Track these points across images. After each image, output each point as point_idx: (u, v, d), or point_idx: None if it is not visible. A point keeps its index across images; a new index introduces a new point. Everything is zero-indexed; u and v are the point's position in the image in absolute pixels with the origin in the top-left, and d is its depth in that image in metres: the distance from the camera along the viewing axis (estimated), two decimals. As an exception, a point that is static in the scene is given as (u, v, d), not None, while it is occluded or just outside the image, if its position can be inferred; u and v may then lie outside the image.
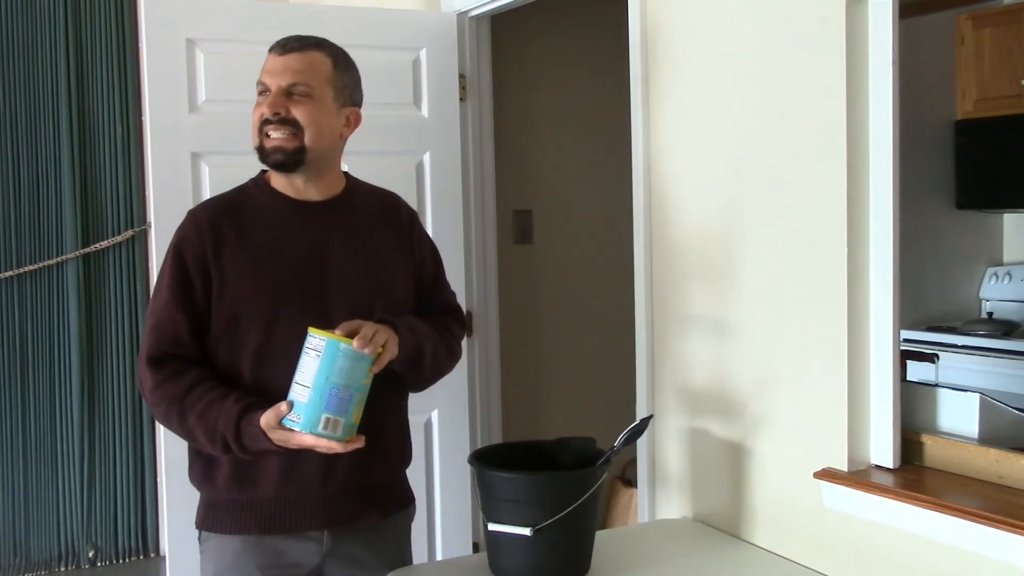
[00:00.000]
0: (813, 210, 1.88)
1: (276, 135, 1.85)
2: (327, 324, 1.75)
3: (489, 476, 1.82)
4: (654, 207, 2.34)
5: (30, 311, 4.12)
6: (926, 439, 1.83)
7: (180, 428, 1.82)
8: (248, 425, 1.74)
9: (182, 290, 1.83)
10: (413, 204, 2.43)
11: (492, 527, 1.81)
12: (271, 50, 1.89)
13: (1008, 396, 2.20)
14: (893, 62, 1.78)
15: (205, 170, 2.69)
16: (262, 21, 2.71)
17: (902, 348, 1.89)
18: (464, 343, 2.23)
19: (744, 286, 2.07)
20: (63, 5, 4.08)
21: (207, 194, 2.55)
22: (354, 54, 1.97)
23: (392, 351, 1.77)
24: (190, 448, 1.91)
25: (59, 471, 4.18)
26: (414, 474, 2.10)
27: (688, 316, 2.25)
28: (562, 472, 1.90)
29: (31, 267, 4.10)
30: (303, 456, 1.80)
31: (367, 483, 1.92)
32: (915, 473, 1.80)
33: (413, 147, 2.93)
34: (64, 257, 4.13)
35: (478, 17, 3.04)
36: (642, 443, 2.36)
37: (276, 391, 1.74)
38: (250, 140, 1.90)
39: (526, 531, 1.76)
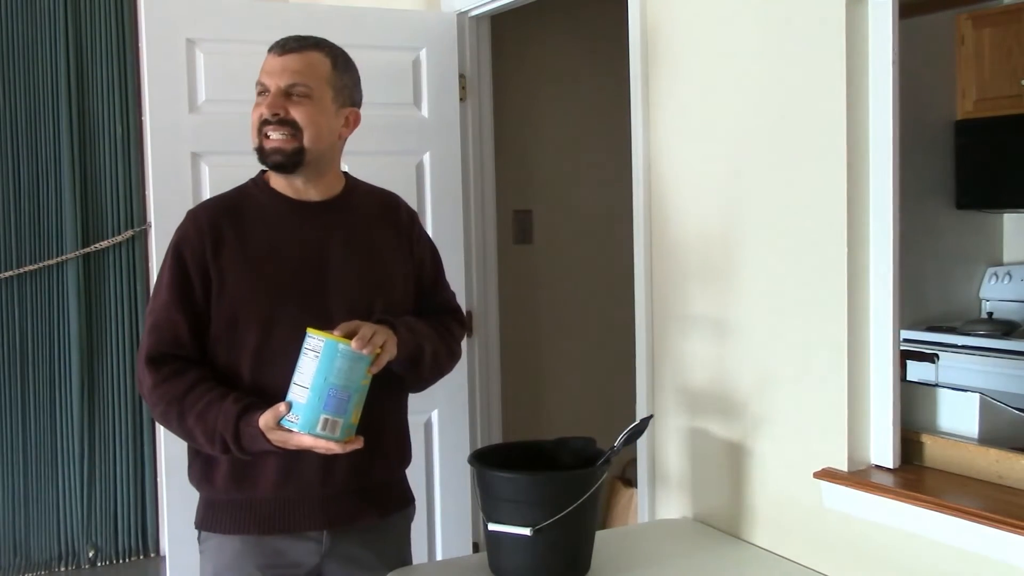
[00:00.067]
0: (813, 210, 1.88)
1: (275, 136, 1.85)
2: (326, 324, 1.75)
3: (489, 476, 1.82)
4: (654, 207, 2.34)
5: (30, 311, 4.12)
6: (926, 439, 1.83)
7: (179, 428, 1.82)
8: (247, 426, 1.74)
9: (181, 290, 1.83)
10: (413, 204, 2.43)
11: (492, 527, 1.81)
12: (270, 50, 1.89)
13: (1008, 396, 2.20)
14: (893, 62, 1.78)
15: (205, 170, 2.69)
16: (262, 21, 2.71)
17: (902, 348, 1.88)
18: (464, 343, 2.23)
19: (744, 286, 2.07)
20: (63, 5, 4.08)
21: (207, 194, 2.55)
22: (354, 54, 1.97)
23: (391, 351, 1.77)
24: (189, 448, 1.91)
25: (59, 471, 4.18)
26: (414, 474, 2.10)
27: (688, 316, 2.25)
28: (562, 472, 1.90)
29: (31, 267, 4.10)
30: (302, 456, 1.79)
31: (366, 483, 1.92)
32: (915, 473, 1.80)
33: (413, 147, 2.93)
34: (64, 257, 4.13)
35: (478, 17, 3.04)
36: (642, 443, 2.36)
37: (275, 391, 1.74)
38: (250, 140, 1.90)
39: (526, 531, 1.76)
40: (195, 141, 2.68)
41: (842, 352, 1.83)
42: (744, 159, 2.06)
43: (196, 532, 1.95)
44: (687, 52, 2.21)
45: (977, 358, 3.26)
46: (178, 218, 1.92)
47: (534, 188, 3.75)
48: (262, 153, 1.88)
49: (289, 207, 1.91)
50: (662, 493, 2.37)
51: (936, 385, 1.96)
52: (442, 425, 2.98)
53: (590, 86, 3.79)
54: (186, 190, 2.65)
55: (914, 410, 1.89)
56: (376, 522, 1.96)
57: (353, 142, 2.00)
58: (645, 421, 1.96)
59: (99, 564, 4.25)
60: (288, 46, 1.87)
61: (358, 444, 1.74)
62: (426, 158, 2.95)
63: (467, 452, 2.74)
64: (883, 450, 1.83)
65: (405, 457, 2.04)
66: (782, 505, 1.99)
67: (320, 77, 1.87)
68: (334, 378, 1.68)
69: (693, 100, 2.20)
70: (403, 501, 2.04)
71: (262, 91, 1.88)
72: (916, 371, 2.68)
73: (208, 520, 1.91)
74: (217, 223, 1.87)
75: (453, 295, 2.16)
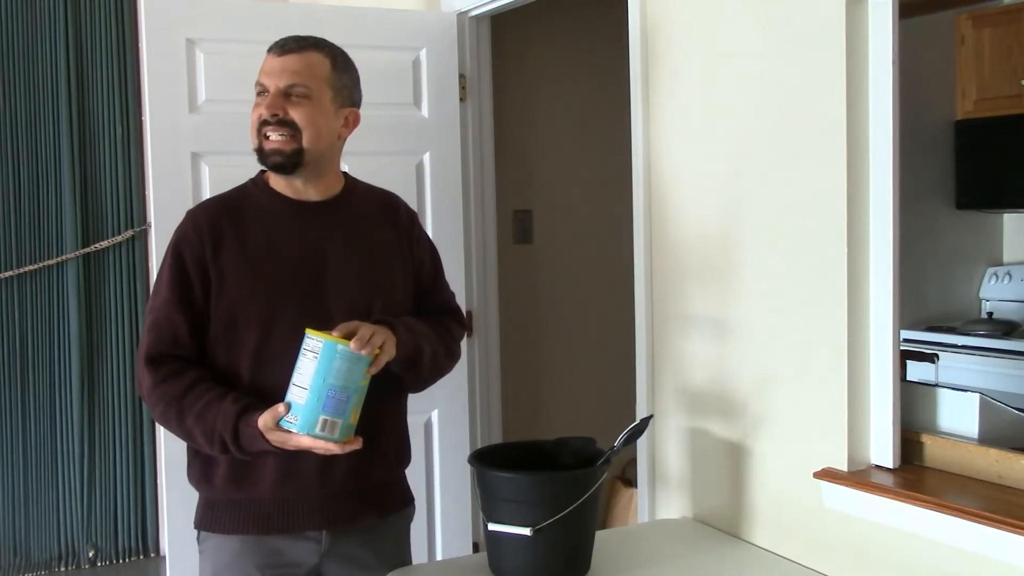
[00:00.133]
0: (813, 210, 1.88)
1: (274, 137, 1.84)
2: (325, 324, 1.75)
3: (489, 476, 1.82)
4: (654, 207, 2.34)
5: (30, 311, 4.11)
6: (926, 439, 1.83)
7: (178, 428, 1.82)
8: (246, 426, 1.74)
9: (181, 290, 1.83)
10: (413, 204, 2.43)
11: (492, 527, 1.81)
12: (269, 51, 1.89)
13: (1008, 396, 2.20)
14: (893, 62, 1.78)
15: (205, 170, 2.69)
16: (262, 21, 2.71)
17: (902, 348, 1.89)
18: (464, 343, 2.22)
19: (744, 286, 2.07)
20: (63, 5, 4.08)
21: (207, 194, 2.55)
22: (354, 54, 1.97)
23: (390, 352, 1.77)
24: (188, 448, 1.91)
25: (59, 471, 4.18)
26: (414, 474, 2.10)
27: (688, 316, 2.25)
28: (562, 472, 1.90)
29: (31, 267, 4.09)
30: (301, 456, 1.79)
31: (366, 483, 1.92)
32: (915, 473, 1.80)
33: (413, 147, 2.93)
34: (64, 257, 4.13)
35: (478, 17, 3.04)
36: (642, 443, 2.36)
37: (274, 391, 1.74)
38: (250, 140, 1.89)
39: (526, 531, 1.76)
40: (195, 141, 2.68)
41: (842, 352, 1.83)
42: (744, 159, 2.06)
43: (195, 532, 1.95)
44: (687, 52, 2.21)
45: (977, 358, 3.26)
46: (178, 218, 1.92)
47: (534, 188, 3.75)
48: (261, 154, 1.87)
49: (289, 207, 1.91)
50: (662, 493, 2.37)
51: (936, 385, 1.96)
52: (442, 425, 2.98)
53: (590, 86, 3.79)
54: (186, 190, 2.65)
55: (914, 410, 1.89)
56: (375, 522, 1.95)
57: (353, 142, 2.00)
58: (645, 421, 1.96)
59: (99, 564, 4.25)
60: (287, 46, 1.87)
61: (357, 444, 1.73)
62: (426, 158, 2.95)
63: (467, 452, 2.74)
64: (883, 450, 1.83)
65: (404, 457, 2.04)
66: (782, 505, 1.99)
67: (319, 77, 1.86)
68: (333, 379, 1.68)
69: (693, 100, 2.20)
70: (402, 501, 2.04)
71: (261, 91, 1.87)
72: (916, 371, 2.68)
73: (207, 520, 1.91)
74: (217, 223, 1.87)
75: (453, 295, 2.16)
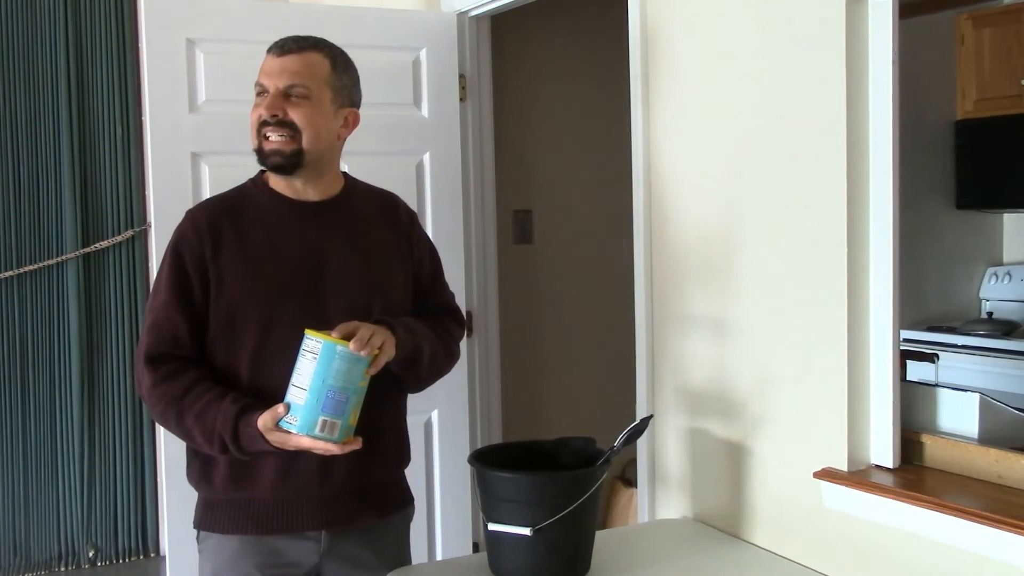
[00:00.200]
0: (813, 210, 1.88)
1: (274, 137, 1.84)
2: (324, 325, 1.75)
3: (489, 476, 1.82)
4: (654, 207, 2.34)
5: (30, 311, 4.11)
6: (926, 439, 1.83)
7: (177, 428, 1.82)
8: (246, 426, 1.74)
9: (180, 290, 1.83)
10: (413, 204, 2.43)
11: (492, 527, 1.81)
12: (269, 51, 1.89)
13: (1008, 396, 2.20)
14: (893, 62, 1.78)
15: (205, 170, 2.69)
16: (262, 21, 2.71)
17: (902, 348, 1.89)
18: (464, 343, 2.22)
19: (744, 286, 2.07)
20: (63, 5, 4.08)
21: (207, 194, 2.55)
22: (353, 54, 1.97)
23: (389, 353, 1.77)
24: (188, 448, 1.91)
25: (59, 471, 4.18)
26: (414, 474, 2.10)
27: (688, 316, 2.25)
28: (562, 472, 1.90)
29: (31, 267, 4.10)
30: (301, 456, 1.79)
31: (365, 484, 1.92)
32: (915, 473, 1.80)
33: (413, 147, 2.93)
34: (64, 257, 4.13)
35: (478, 17, 3.04)
36: (642, 443, 2.36)
37: (274, 391, 1.74)
38: (249, 140, 1.89)
39: (526, 531, 1.76)
40: (195, 141, 2.68)
41: (842, 352, 1.83)
42: (744, 159, 2.06)
43: (195, 532, 1.95)
44: (687, 52, 2.21)
45: (977, 358, 3.26)
46: (178, 218, 1.92)
47: (534, 188, 3.75)
48: (261, 154, 1.87)
49: (288, 207, 1.91)
50: (662, 493, 2.37)
51: (936, 385, 1.96)
52: (442, 425, 2.98)
53: (590, 86, 3.78)
54: (186, 190, 2.65)
55: (914, 410, 1.89)
56: (375, 522, 1.95)
57: (353, 142, 2.00)
58: (645, 421, 1.96)
59: (99, 564, 4.25)
60: (287, 47, 1.87)
61: (356, 445, 1.74)
62: (426, 158, 2.95)
63: (467, 452, 2.74)
64: (883, 450, 1.83)
65: (404, 457, 2.04)
66: (782, 505, 1.99)
67: (319, 78, 1.86)
68: (332, 380, 1.68)
69: (693, 100, 2.20)
70: (402, 501, 2.04)
71: (261, 92, 1.87)
72: (916, 371, 2.68)
73: (207, 520, 1.91)
74: (216, 223, 1.87)
75: (452, 295, 2.16)
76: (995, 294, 3.64)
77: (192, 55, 2.68)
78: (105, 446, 4.23)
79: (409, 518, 2.08)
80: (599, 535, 1.92)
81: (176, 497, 2.53)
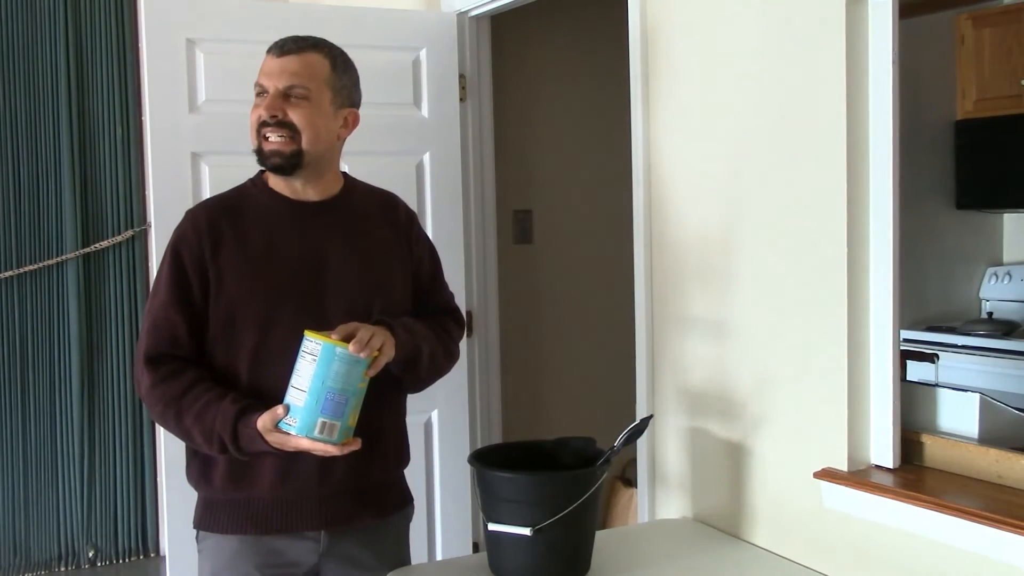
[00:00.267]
0: (813, 210, 1.88)
1: (273, 138, 1.84)
2: (324, 325, 1.75)
3: (489, 476, 1.82)
4: (654, 207, 2.34)
5: (30, 311, 4.11)
6: (926, 439, 1.83)
7: (177, 428, 1.82)
8: (245, 427, 1.74)
9: (179, 290, 1.83)
10: (413, 204, 2.43)
11: (492, 527, 1.81)
12: (269, 51, 1.89)
13: (1008, 396, 2.20)
14: (893, 62, 1.78)
15: (205, 170, 2.69)
16: (262, 21, 2.71)
17: (902, 348, 1.88)
18: (464, 343, 2.22)
19: (744, 286, 2.07)
20: (63, 5, 4.08)
21: (207, 194, 2.55)
22: (353, 54, 1.97)
23: (388, 354, 1.77)
24: (187, 448, 1.91)
25: (59, 471, 4.18)
26: (414, 474, 2.10)
27: (688, 316, 2.25)
28: (562, 472, 1.90)
29: (31, 267, 4.09)
30: (300, 457, 1.79)
31: (364, 484, 1.92)
32: (915, 473, 1.80)
33: (413, 147, 2.93)
34: (64, 257, 4.13)
35: (478, 17, 3.04)
36: (642, 443, 2.36)
37: (273, 392, 1.74)
38: (249, 140, 1.89)
39: (526, 531, 1.76)
40: (195, 141, 2.68)
41: (842, 352, 1.83)
42: (744, 159, 2.06)
43: (194, 532, 1.95)
44: (687, 52, 2.21)
45: (977, 358, 3.26)
46: (178, 218, 1.92)
47: (534, 188, 3.75)
48: (261, 155, 1.87)
49: (288, 207, 1.91)
50: (662, 493, 2.37)
51: (936, 385, 1.96)
52: (442, 425, 2.98)
53: (590, 86, 3.78)
54: (186, 190, 2.65)
55: (914, 410, 1.89)
56: (374, 522, 1.95)
57: (353, 142, 2.00)
58: (645, 421, 1.96)
59: (99, 564, 4.25)
60: (287, 47, 1.87)
61: (355, 446, 1.74)
62: (426, 158, 2.95)
63: (467, 452, 2.74)
64: (883, 450, 1.83)
65: (403, 458, 2.04)
66: (782, 505, 1.99)
67: (319, 78, 1.86)
68: (331, 381, 1.68)
69: (693, 100, 2.20)
70: (401, 501, 2.04)
71: (260, 92, 1.87)
72: (916, 371, 2.68)
73: (206, 520, 1.91)
74: (216, 223, 1.87)
75: (452, 295, 2.16)
76: (995, 294, 3.64)
77: (192, 55, 2.68)
78: (105, 446, 4.23)
79: (409, 518, 2.08)
80: (599, 535, 1.92)
81: (176, 497, 2.53)
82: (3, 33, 4.03)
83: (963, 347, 3.30)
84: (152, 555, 4.32)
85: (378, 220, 2.01)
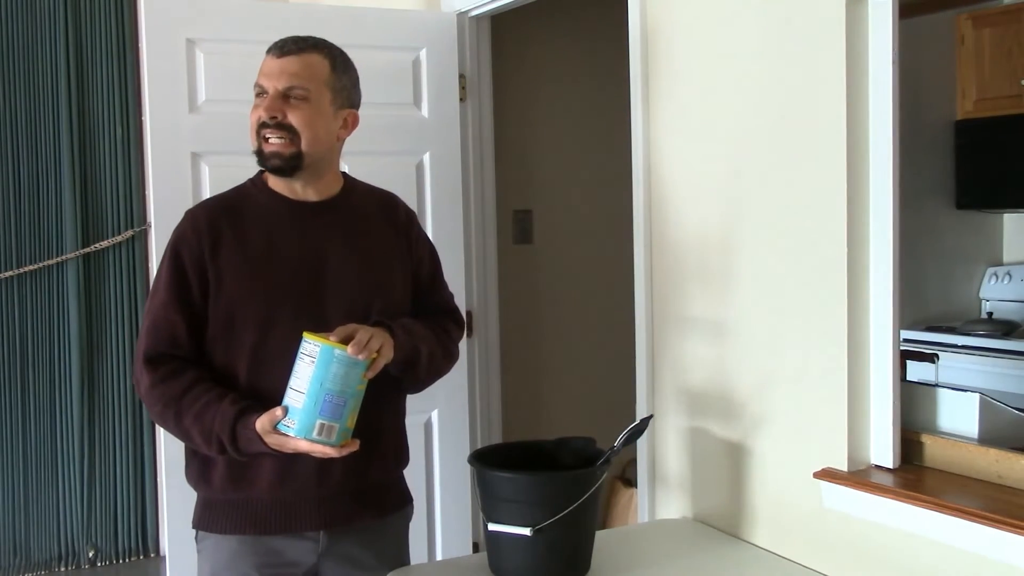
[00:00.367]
0: (813, 210, 1.88)
1: (273, 140, 1.84)
2: (324, 325, 1.75)
3: (489, 476, 1.82)
4: (654, 207, 2.34)
5: (30, 311, 4.11)
6: (926, 439, 1.83)
7: (176, 428, 1.82)
8: (244, 428, 1.74)
9: (179, 290, 1.83)
10: (413, 204, 2.43)
11: (492, 527, 1.81)
12: (269, 51, 1.89)
13: (1008, 396, 2.20)
14: (893, 62, 1.78)
15: (205, 170, 2.69)
16: (262, 21, 2.71)
17: (902, 348, 1.89)
18: (464, 343, 2.22)
19: (744, 286, 2.07)
20: (63, 5, 4.08)
21: (207, 194, 2.55)
22: (353, 54, 1.97)
23: (387, 355, 1.77)
24: (186, 448, 1.91)
25: (59, 471, 4.18)
26: (414, 474, 2.10)
27: (688, 316, 2.25)
28: (562, 472, 1.90)
29: (31, 267, 4.09)
30: (299, 458, 1.80)
31: (363, 484, 1.92)
32: (915, 473, 1.80)
33: (413, 147, 2.93)
34: (64, 257, 4.13)
35: (478, 17, 3.04)
36: (642, 443, 2.36)
37: (272, 392, 1.75)
38: (249, 141, 1.89)
39: (526, 531, 1.76)
40: (195, 141, 2.68)
41: (842, 352, 1.83)
42: (744, 159, 2.06)
43: (193, 532, 1.95)
44: (687, 53, 2.21)
45: (977, 358, 3.26)
46: (178, 218, 1.92)
47: (534, 188, 3.75)
48: (261, 156, 1.87)
49: (288, 208, 1.91)
50: (662, 493, 2.37)
51: (936, 385, 1.96)
52: (442, 425, 2.98)
53: (590, 86, 3.78)
54: (186, 190, 2.65)
55: (914, 410, 1.89)
56: (373, 522, 1.95)
57: (353, 142, 2.00)
58: (645, 421, 1.96)
59: (99, 564, 4.25)
60: (286, 48, 1.87)
61: (354, 447, 1.74)
62: (426, 158, 2.95)
63: (467, 452, 2.74)
64: (883, 450, 1.83)
65: (402, 458, 2.04)
66: (782, 505, 1.99)
67: (318, 79, 1.86)
68: (330, 383, 1.68)
69: (693, 100, 2.20)
70: (401, 502, 2.04)
71: (260, 93, 1.87)
72: (916, 371, 2.68)
73: (205, 520, 1.91)
74: (215, 223, 1.87)
75: (451, 295, 2.16)
76: (995, 294, 3.64)
77: (192, 55, 2.68)
78: (105, 446, 4.23)
79: (408, 518, 2.08)
80: (599, 535, 1.92)
81: (176, 497, 2.53)
82: (3, 33, 4.03)
83: (963, 347, 3.30)
84: (152, 555, 4.32)
85: (378, 220, 2.00)
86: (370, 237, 1.97)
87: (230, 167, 2.09)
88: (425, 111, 2.94)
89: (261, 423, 1.71)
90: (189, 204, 2.11)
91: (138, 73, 4.01)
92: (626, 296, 2.46)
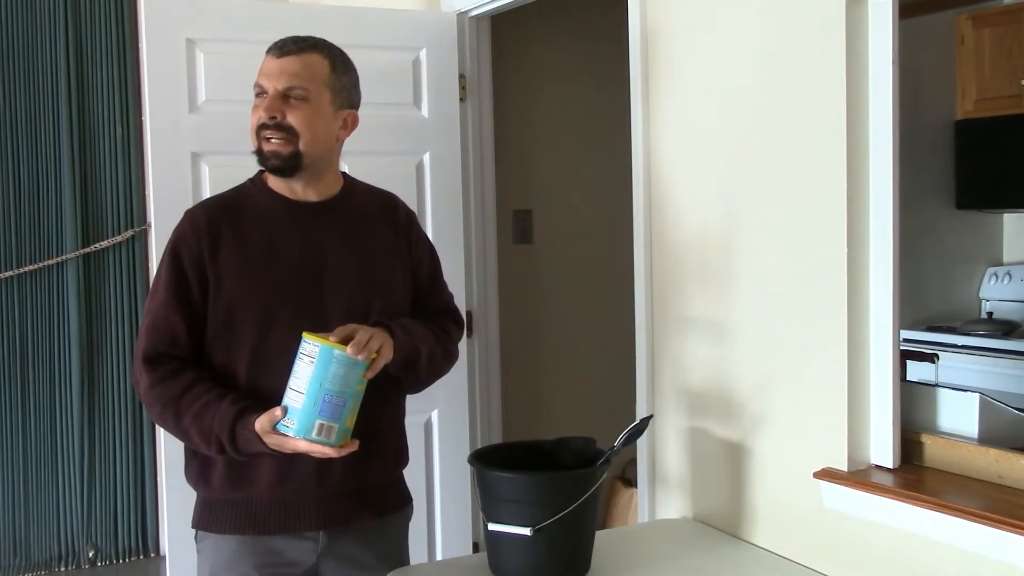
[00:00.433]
0: (813, 210, 1.88)
1: (272, 140, 1.84)
2: (323, 325, 1.75)
3: (489, 476, 1.82)
4: (654, 207, 2.34)
5: (30, 311, 4.11)
6: (926, 439, 1.83)
7: (175, 428, 1.82)
8: (243, 428, 1.74)
9: (178, 290, 1.83)
10: (413, 204, 2.43)
11: (492, 527, 1.81)
12: (268, 51, 1.88)
13: (1008, 396, 2.20)
14: (893, 62, 1.78)
15: (205, 170, 2.69)
16: (262, 21, 2.71)
17: (902, 348, 1.88)
18: (464, 343, 2.22)
19: (744, 286, 2.07)
20: (63, 5, 4.08)
21: (207, 194, 2.55)
22: (353, 54, 1.97)
23: (387, 356, 1.77)
24: (186, 447, 1.91)
25: (59, 471, 4.18)
26: (414, 474, 2.10)
27: (688, 316, 2.25)
28: (562, 472, 1.90)
29: (31, 267, 4.09)
30: (298, 457, 1.80)
31: (362, 484, 1.92)
32: (915, 473, 1.80)
33: (413, 147, 2.93)
34: (64, 257, 4.13)
35: (478, 17, 3.04)
36: (642, 443, 2.36)
37: (272, 391, 1.75)
38: (250, 141, 1.89)
39: (526, 531, 1.76)
40: (195, 141, 2.68)
41: (842, 352, 1.83)
42: (744, 159, 2.06)
43: (193, 532, 1.95)
44: (687, 53, 2.21)
45: (977, 358, 3.26)
46: (178, 218, 1.92)
47: (534, 188, 3.75)
48: (261, 156, 1.87)
49: (287, 208, 1.91)
50: (662, 493, 2.37)
51: (936, 385, 1.96)
52: (442, 425, 2.98)
53: (590, 86, 3.79)
54: (186, 190, 2.65)
55: (914, 410, 1.89)
56: (373, 522, 1.95)
57: (353, 142, 2.00)
58: (645, 421, 1.96)
59: (99, 564, 4.25)
60: (286, 48, 1.87)
61: (353, 448, 1.74)
62: (426, 158, 2.95)
63: (467, 452, 2.74)
64: (883, 450, 1.83)
65: (402, 458, 2.04)
66: (782, 505, 1.99)
67: (318, 79, 1.86)
68: (329, 384, 1.68)
69: (693, 100, 2.20)
70: (400, 502, 2.04)
71: (260, 93, 1.87)
72: (916, 371, 2.68)
73: (205, 520, 1.91)
74: (215, 223, 1.87)
75: (451, 296, 2.16)
76: (995, 294, 3.64)
77: (192, 55, 2.68)
78: (105, 446, 4.23)
79: (408, 518, 2.08)
80: (599, 535, 1.92)
81: (176, 497, 2.53)
82: (3, 33, 4.03)
83: (963, 347, 3.30)
84: (152, 555, 4.32)
85: (378, 220, 2.00)
86: (370, 237, 1.96)
87: (230, 167, 2.09)
88: (425, 111, 2.94)
89: (260, 423, 1.71)
90: (189, 204, 2.10)
91: (138, 73, 4.01)
92: (626, 296, 2.46)
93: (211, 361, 1.85)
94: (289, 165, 1.85)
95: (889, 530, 1.76)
